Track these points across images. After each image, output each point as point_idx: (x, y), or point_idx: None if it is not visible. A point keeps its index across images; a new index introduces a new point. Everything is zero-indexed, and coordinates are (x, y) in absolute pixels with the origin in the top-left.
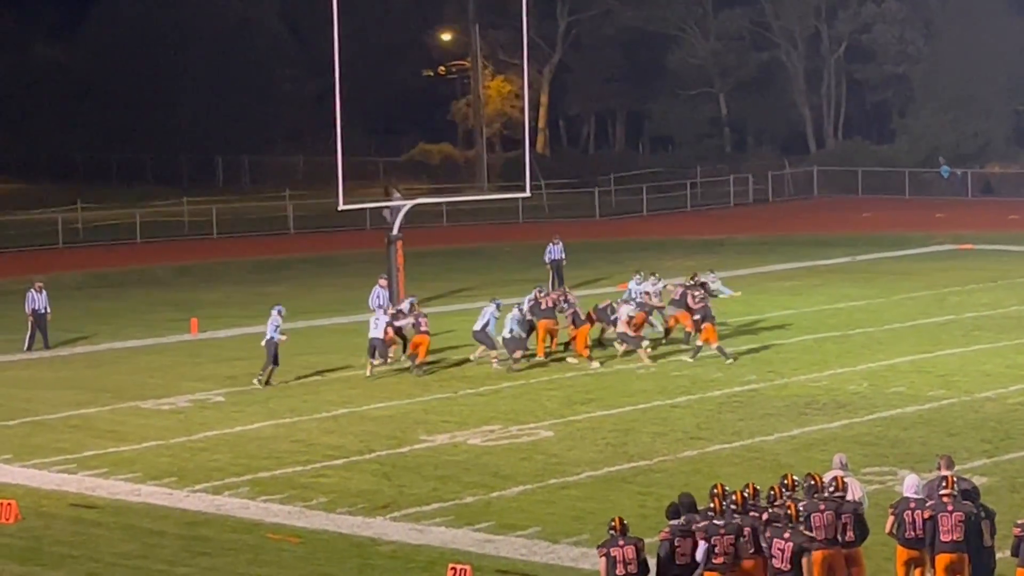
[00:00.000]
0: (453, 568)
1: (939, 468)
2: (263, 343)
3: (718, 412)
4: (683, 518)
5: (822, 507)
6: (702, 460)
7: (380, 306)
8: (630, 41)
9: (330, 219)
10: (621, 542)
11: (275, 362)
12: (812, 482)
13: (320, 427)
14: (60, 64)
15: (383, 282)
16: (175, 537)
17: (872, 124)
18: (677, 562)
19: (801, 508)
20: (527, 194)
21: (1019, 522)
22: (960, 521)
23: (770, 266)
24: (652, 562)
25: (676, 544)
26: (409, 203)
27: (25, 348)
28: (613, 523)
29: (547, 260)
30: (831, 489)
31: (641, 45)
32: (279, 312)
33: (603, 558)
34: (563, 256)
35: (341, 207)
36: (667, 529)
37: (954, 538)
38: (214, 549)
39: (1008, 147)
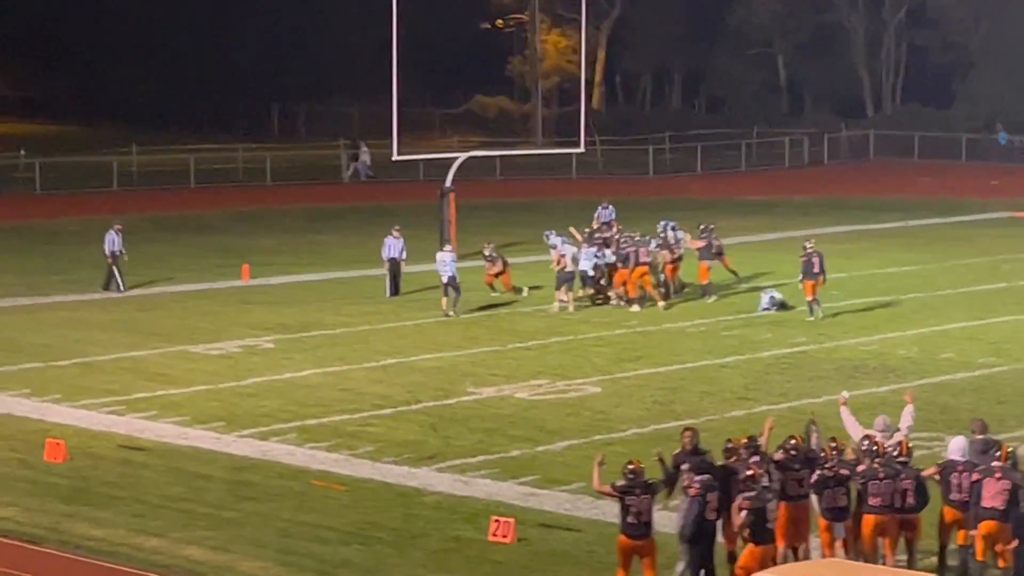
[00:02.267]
0: (496, 520)
1: (974, 433)
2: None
3: (766, 373)
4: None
5: (881, 475)
6: (748, 420)
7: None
8: None
9: (384, 169)
10: (638, 491)
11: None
12: (874, 447)
13: (368, 376)
14: (119, 9)
15: (396, 233)
16: (221, 481)
17: (930, 89)
18: (707, 518)
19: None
20: (581, 150)
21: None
22: (1005, 489)
23: (823, 228)
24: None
25: (707, 500)
26: (463, 155)
27: (103, 287)
28: (633, 466)
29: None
30: (895, 454)
31: (701, 3)
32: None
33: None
34: (613, 220)
35: (395, 158)
36: (696, 485)
37: (995, 505)
38: (260, 494)
39: None
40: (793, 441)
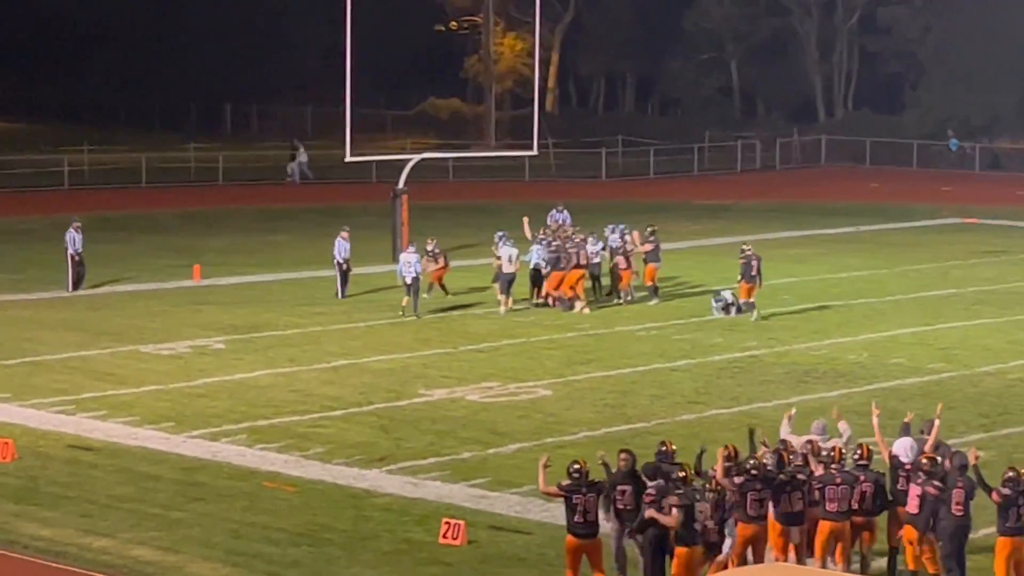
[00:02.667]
0: (447, 522)
1: (922, 432)
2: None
3: (717, 377)
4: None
5: (838, 480)
6: (699, 424)
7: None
8: (643, 2)
9: (336, 170)
10: (584, 490)
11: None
12: (832, 453)
13: (319, 378)
14: (71, 7)
15: (345, 234)
16: (171, 482)
17: (882, 95)
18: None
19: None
20: (534, 152)
21: (1002, 491)
22: (917, 495)
23: (775, 233)
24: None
25: (699, 509)
26: (416, 157)
27: (69, 290)
28: (578, 465)
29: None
30: (855, 458)
31: (654, 7)
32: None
33: (564, 498)
34: (567, 223)
35: (348, 159)
36: (679, 495)
37: (909, 510)
38: (209, 495)
39: (1017, 122)
40: (753, 461)
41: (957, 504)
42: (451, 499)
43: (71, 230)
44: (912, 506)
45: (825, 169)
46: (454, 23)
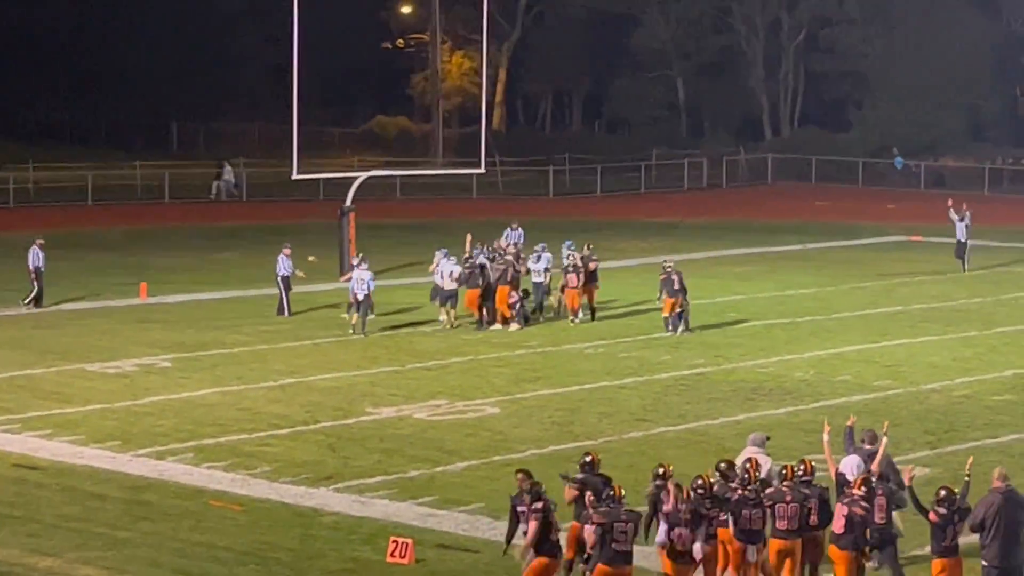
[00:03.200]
0: (395, 541)
1: (863, 442)
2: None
3: (664, 395)
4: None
5: (788, 498)
6: (647, 442)
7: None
8: (590, 21)
9: (283, 188)
10: (624, 518)
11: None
12: (783, 470)
13: (266, 396)
14: (17, 23)
15: (287, 251)
16: (117, 501)
17: (828, 113)
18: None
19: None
20: (482, 170)
21: (938, 510)
22: (843, 515)
23: (721, 251)
24: None
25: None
26: (363, 175)
27: (34, 302)
28: (700, 482)
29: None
30: (799, 473)
31: (601, 26)
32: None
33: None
34: (521, 242)
35: (295, 176)
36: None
37: (833, 530)
38: (156, 514)
39: (961, 140)
40: (700, 480)
41: (880, 513)
42: (399, 517)
43: (34, 247)
44: (837, 526)
45: (771, 187)
46: (401, 41)
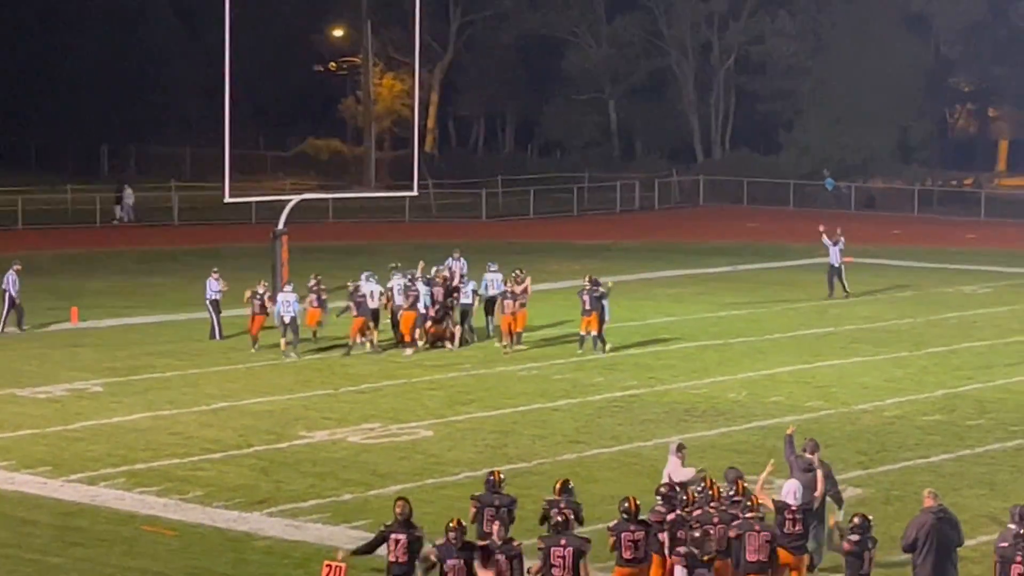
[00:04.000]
0: (328, 565)
1: (804, 451)
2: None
3: (598, 416)
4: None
5: (716, 519)
6: (580, 464)
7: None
8: (523, 44)
9: (216, 211)
10: (632, 527)
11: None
12: (709, 491)
13: (199, 420)
14: None
15: (215, 275)
16: (48, 527)
17: (759, 135)
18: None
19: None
20: (414, 193)
21: (851, 538)
22: (767, 542)
23: (654, 273)
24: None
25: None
26: (296, 198)
27: (17, 325)
28: (627, 505)
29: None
30: (731, 493)
31: (533, 49)
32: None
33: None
34: (465, 271)
35: (227, 200)
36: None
37: (759, 558)
38: (88, 540)
39: (892, 162)
40: (627, 504)
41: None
42: (332, 541)
43: (11, 272)
44: (763, 554)
45: (703, 209)
46: (333, 64)
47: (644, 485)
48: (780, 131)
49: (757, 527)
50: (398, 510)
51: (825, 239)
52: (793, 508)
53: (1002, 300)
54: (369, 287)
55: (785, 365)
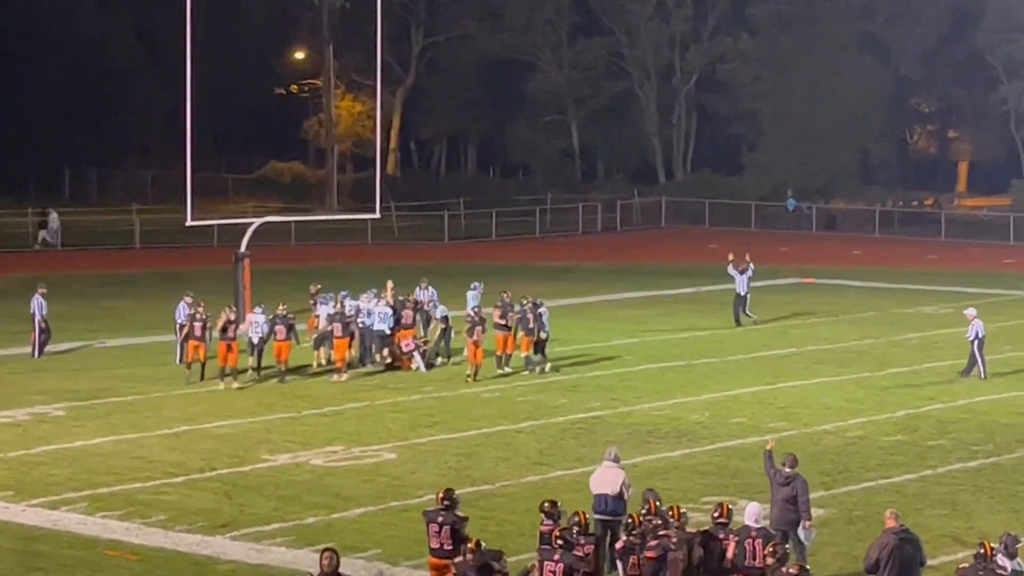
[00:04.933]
0: None
1: (784, 465)
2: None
3: (561, 438)
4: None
5: (674, 541)
6: (544, 486)
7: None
8: (485, 66)
9: (178, 235)
10: (583, 540)
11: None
12: (669, 511)
13: (161, 444)
14: None
15: (188, 299)
16: (10, 552)
17: (721, 157)
18: None
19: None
20: (377, 215)
21: (652, 543)
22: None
23: (617, 294)
24: None
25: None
26: (258, 221)
27: (35, 355)
28: (578, 518)
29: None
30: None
31: (496, 71)
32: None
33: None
34: (436, 299)
35: (189, 223)
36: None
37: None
38: (50, 565)
39: (853, 183)
40: (577, 524)
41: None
42: (296, 564)
43: (37, 296)
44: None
45: (665, 230)
46: (295, 86)
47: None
48: (742, 152)
49: (674, 541)
50: (325, 563)
51: (731, 268)
52: (753, 532)
53: (963, 320)
54: (324, 309)
55: (748, 386)
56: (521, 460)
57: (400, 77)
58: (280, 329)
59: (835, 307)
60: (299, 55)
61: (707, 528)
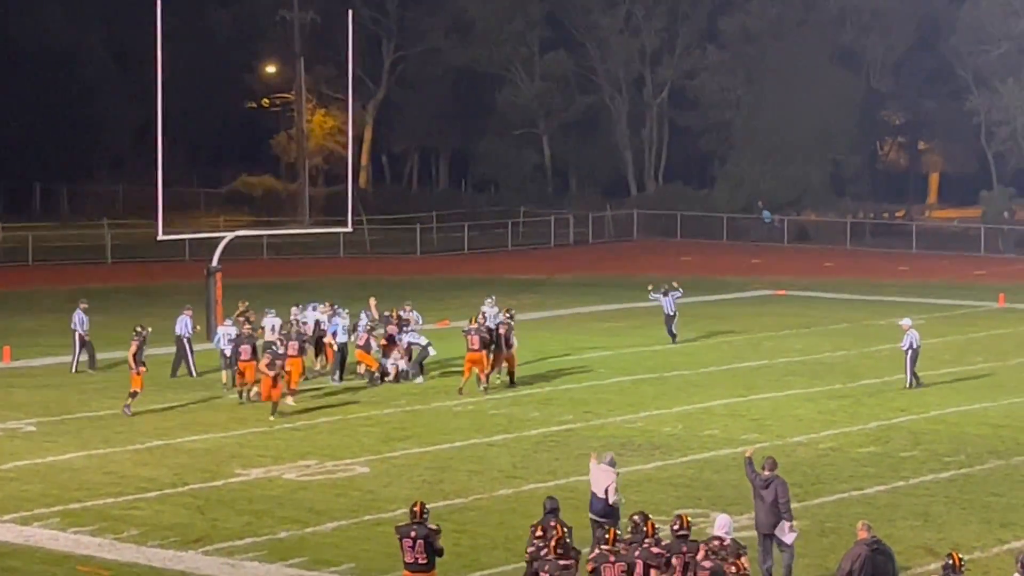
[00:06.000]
0: None
1: (764, 469)
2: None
3: (534, 451)
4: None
5: (611, 559)
6: (517, 499)
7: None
8: (456, 80)
9: (149, 249)
10: (612, 558)
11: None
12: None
13: (133, 459)
14: None
15: (189, 311)
16: None
17: (692, 169)
18: None
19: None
20: (349, 229)
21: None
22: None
23: (589, 307)
24: None
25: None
26: (229, 235)
27: (73, 369)
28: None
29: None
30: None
31: (467, 84)
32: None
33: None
34: (420, 322)
35: (160, 237)
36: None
37: None
38: None
39: (824, 195)
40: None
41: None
42: None
43: (78, 311)
44: None
45: (637, 243)
46: (266, 100)
47: (581, 520)
48: (714, 165)
49: (612, 558)
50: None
51: (652, 294)
52: (726, 543)
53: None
54: (269, 321)
55: (720, 398)
56: (494, 473)
57: (371, 91)
58: (245, 349)
59: (807, 319)
60: (270, 69)
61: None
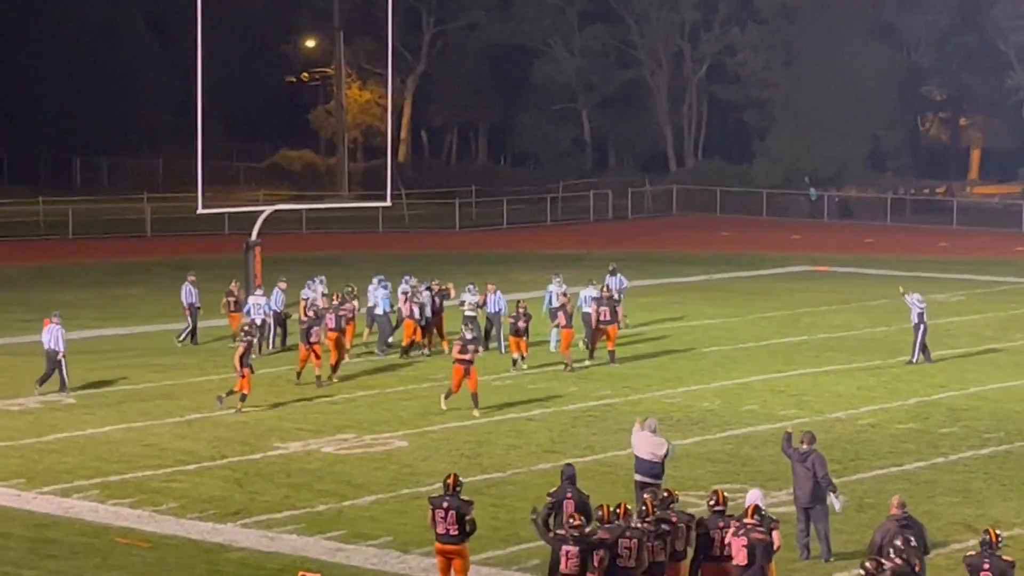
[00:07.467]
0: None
1: (802, 443)
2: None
3: (572, 426)
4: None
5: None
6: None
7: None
8: (495, 54)
9: (189, 223)
10: (628, 535)
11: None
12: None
13: (172, 432)
14: None
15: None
16: (21, 539)
17: (732, 145)
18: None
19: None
20: (387, 203)
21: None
22: (743, 546)
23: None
24: None
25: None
26: (268, 209)
27: (180, 340)
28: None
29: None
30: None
31: (506, 59)
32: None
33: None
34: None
35: (200, 211)
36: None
37: (739, 562)
38: (62, 552)
39: (865, 171)
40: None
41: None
42: (306, 552)
43: (187, 283)
44: (740, 558)
45: (676, 218)
46: (306, 74)
47: (619, 494)
48: (753, 140)
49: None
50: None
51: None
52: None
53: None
54: (381, 293)
55: (759, 374)
56: (532, 448)
57: (411, 65)
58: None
59: (846, 295)
60: (310, 43)
61: (702, 516)
